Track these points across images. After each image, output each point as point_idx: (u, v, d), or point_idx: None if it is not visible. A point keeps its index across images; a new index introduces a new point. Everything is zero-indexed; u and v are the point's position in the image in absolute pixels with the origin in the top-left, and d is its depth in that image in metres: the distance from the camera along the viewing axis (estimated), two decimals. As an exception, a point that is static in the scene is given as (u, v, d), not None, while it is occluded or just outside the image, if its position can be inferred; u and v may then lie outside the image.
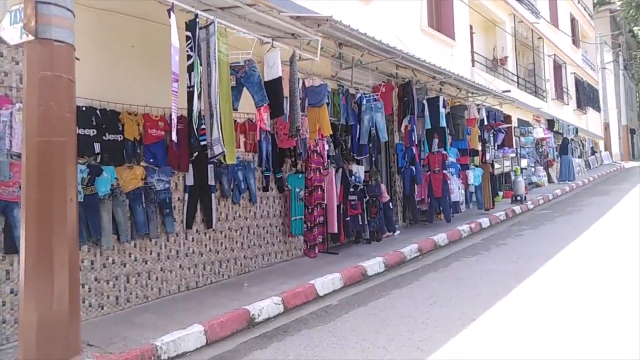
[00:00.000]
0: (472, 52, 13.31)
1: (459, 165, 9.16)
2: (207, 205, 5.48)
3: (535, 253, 6.45)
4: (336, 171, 7.01)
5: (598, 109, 27.06)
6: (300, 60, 5.72)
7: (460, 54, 12.09)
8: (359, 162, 7.96)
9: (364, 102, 7.37)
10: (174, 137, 3.98)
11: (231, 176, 5.78)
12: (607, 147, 28.97)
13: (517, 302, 4.40)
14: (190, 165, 5.33)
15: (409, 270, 6.22)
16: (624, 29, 32.37)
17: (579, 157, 22.79)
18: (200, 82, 4.31)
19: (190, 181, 5.37)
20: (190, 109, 4.35)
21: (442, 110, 8.59)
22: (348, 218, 7.19)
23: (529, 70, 17.24)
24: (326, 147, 6.81)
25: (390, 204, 8.00)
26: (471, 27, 13.55)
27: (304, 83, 6.30)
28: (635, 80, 41.63)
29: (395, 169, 8.97)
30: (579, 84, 23.01)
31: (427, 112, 8.61)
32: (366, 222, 7.55)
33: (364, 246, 7.56)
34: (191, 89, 4.36)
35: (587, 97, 24.32)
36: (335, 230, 6.73)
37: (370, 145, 7.78)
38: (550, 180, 17.09)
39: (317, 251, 5.87)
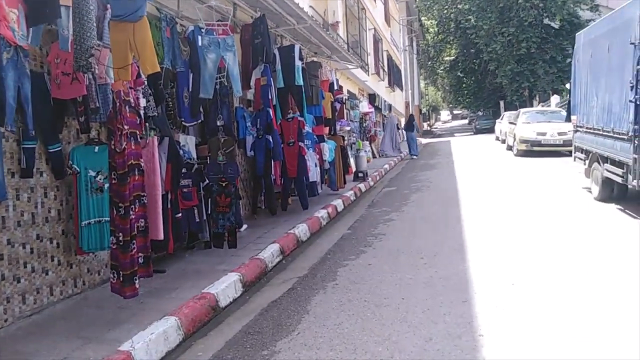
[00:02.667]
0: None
1: (315, 137, 7.31)
2: None
3: (435, 248, 5.01)
4: (160, 142, 4.40)
5: (401, 88, 28.79)
6: None
7: (298, 7, 10.19)
8: (186, 131, 5.45)
9: (203, 36, 4.83)
10: None
11: (-63, 148, 2.76)
12: (408, 125, 31.31)
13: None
14: None
15: (283, 292, 4.12)
16: (418, 16, 35.31)
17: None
18: None
19: None
20: None
21: (298, 64, 6.54)
22: (179, 214, 4.68)
23: (355, 41, 16.50)
24: (143, 101, 4.14)
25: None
26: (306, -20, 11.79)
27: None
28: (419, 65, 46.56)
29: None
30: (390, 61, 23.75)
31: (279, 66, 6.47)
32: (204, 218, 5.13)
33: (203, 253, 5.18)
34: None
35: (394, 75, 25.42)
36: (161, 237, 4.17)
37: (204, 105, 5.33)
38: (374, 155, 16.89)
39: (137, 285, 3.24)
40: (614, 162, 5.81)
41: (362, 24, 17.46)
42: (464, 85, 42.36)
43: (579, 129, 7.34)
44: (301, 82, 6.55)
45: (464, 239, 5.28)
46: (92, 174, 3.79)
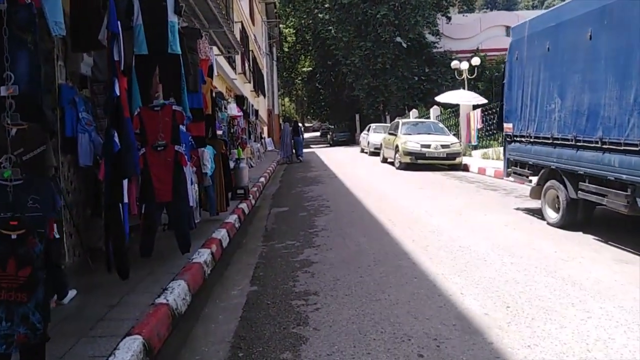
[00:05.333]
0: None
1: (190, 139, 4.79)
2: None
3: (422, 325, 3.04)
4: None
5: (264, 95, 26.93)
6: None
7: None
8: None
9: None
10: None
11: None
12: (271, 134, 29.54)
13: None
14: None
15: None
16: (277, 22, 33.99)
17: (255, 141, 21.74)
18: None
19: None
20: None
21: (174, 20, 4.05)
22: None
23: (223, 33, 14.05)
24: None
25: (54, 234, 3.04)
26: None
27: None
28: (277, 74, 45.44)
29: (58, 139, 3.87)
30: (254, 64, 21.70)
31: (138, 19, 3.90)
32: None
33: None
34: None
35: (258, 80, 23.45)
36: None
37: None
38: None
39: None
40: (599, 182, 4.59)
41: (230, 14, 15.12)
42: (321, 97, 42.35)
43: (518, 139, 6.16)
44: (178, 50, 4.05)
45: (453, 300, 3.41)
46: None
